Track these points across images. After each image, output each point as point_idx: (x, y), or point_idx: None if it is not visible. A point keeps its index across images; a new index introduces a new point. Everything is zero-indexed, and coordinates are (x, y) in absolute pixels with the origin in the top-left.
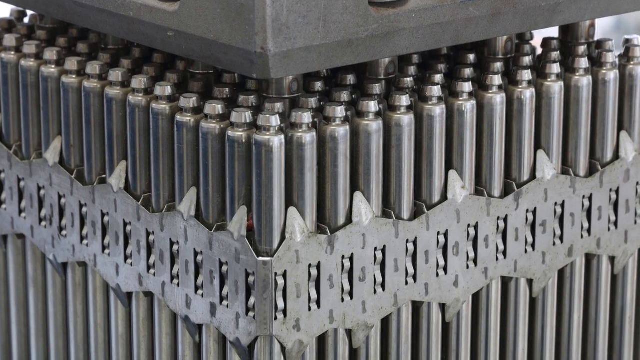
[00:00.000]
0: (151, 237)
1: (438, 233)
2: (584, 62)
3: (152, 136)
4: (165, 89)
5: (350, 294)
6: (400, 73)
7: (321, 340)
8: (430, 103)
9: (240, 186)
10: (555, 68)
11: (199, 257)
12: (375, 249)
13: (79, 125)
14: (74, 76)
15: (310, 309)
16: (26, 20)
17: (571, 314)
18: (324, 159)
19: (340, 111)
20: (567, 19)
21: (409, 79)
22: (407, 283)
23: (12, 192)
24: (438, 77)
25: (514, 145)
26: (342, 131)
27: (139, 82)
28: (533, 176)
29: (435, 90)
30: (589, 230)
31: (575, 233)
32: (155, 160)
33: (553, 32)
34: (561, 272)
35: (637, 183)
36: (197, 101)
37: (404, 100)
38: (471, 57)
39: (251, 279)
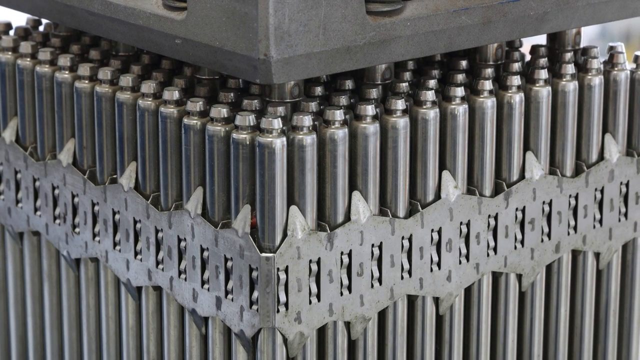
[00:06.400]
0: (160, 234)
1: (432, 230)
2: (570, 68)
3: (160, 138)
4: (173, 94)
5: (349, 288)
6: (396, 78)
7: (321, 332)
8: (424, 107)
9: (244, 186)
10: (543, 74)
11: (205, 253)
12: (373, 245)
13: (91, 128)
14: (86, 81)
15: (310, 302)
16: (41, 28)
17: (558, 307)
18: (323, 160)
19: (339, 115)
20: (554, 27)
21: (404, 84)
22: (402, 278)
23: (28, 191)
24: (432, 83)
25: (504, 147)
26: (341, 134)
27: (148, 87)
28: (522, 176)
29: (430, 95)
30: (575, 228)
31: (562, 230)
32: (164, 161)
33: (541, 39)
34: (549, 268)
35: (621, 183)
36: (204, 105)
37: (400, 104)
38: (463, 63)
39: (255, 274)
